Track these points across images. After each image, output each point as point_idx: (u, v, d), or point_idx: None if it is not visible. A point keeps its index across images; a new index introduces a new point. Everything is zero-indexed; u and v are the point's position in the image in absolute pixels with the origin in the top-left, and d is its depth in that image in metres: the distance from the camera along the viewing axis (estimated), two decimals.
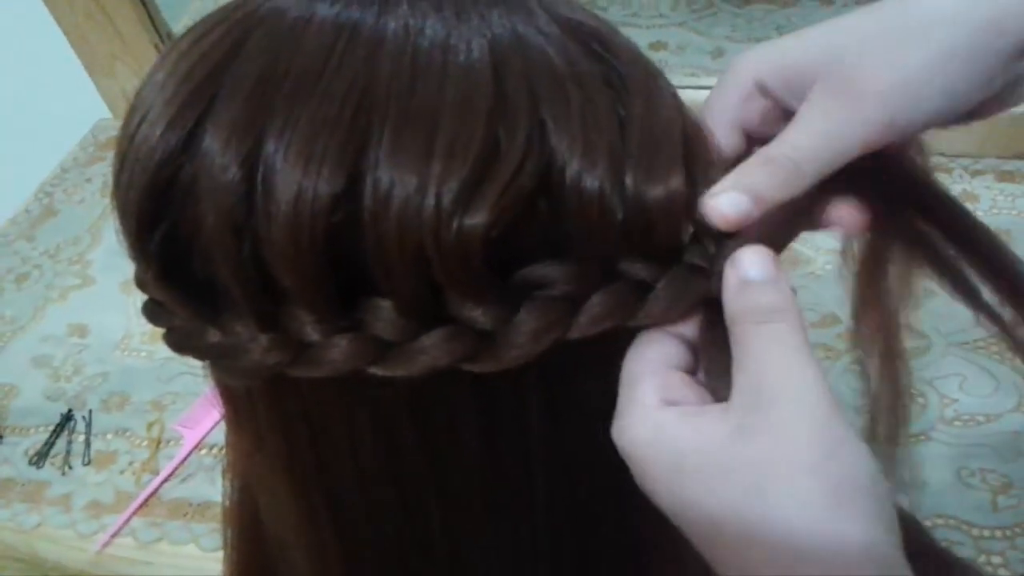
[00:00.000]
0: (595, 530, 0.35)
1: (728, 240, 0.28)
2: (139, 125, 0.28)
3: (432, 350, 0.27)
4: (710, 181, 0.28)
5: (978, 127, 0.85)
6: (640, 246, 0.28)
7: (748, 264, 0.28)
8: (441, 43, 0.27)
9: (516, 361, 0.27)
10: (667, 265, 0.28)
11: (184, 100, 0.27)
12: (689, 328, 0.29)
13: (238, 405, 0.34)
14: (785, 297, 0.27)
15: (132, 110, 0.29)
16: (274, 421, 0.32)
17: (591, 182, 0.26)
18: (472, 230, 0.25)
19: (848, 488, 0.25)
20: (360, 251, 0.26)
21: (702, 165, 0.28)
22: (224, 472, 0.43)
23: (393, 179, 0.25)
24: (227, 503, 0.43)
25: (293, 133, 0.26)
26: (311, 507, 0.34)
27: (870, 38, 0.29)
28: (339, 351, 0.27)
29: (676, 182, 0.27)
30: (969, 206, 0.78)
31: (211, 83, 0.27)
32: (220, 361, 0.30)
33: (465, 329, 0.27)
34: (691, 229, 0.29)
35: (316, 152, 0.25)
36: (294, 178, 0.25)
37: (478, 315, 0.27)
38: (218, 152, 0.26)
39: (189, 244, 0.27)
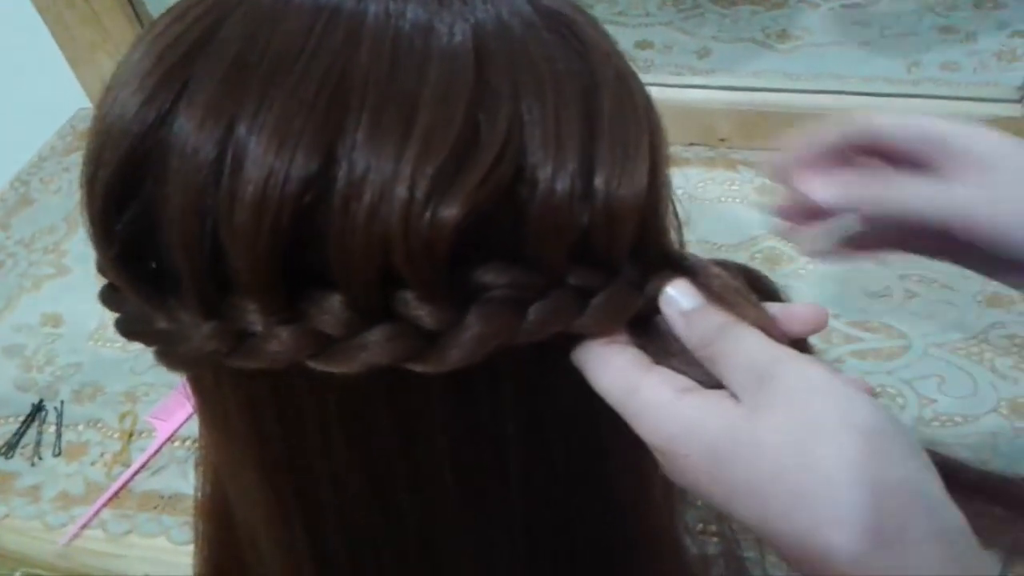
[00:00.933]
0: (572, 529, 0.35)
1: (659, 268, 0.29)
2: (113, 104, 0.27)
3: (373, 347, 0.26)
4: (665, 190, 0.29)
5: None
6: (592, 252, 0.27)
7: (680, 298, 0.29)
8: (423, 27, 0.27)
9: (459, 364, 0.27)
10: (609, 275, 0.28)
11: (160, 80, 0.27)
12: (622, 336, 0.30)
13: (206, 395, 0.33)
14: (723, 313, 0.29)
15: (108, 89, 0.28)
16: (243, 409, 0.32)
17: (562, 184, 0.26)
18: (445, 221, 0.24)
19: (878, 430, 0.26)
20: (321, 237, 0.25)
21: (662, 169, 0.29)
22: (196, 465, 0.42)
23: (369, 164, 0.25)
24: (199, 496, 0.42)
25: (267, 115, 0.25)
26: (281, 499, 0.34)
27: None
28: (279, 343, 0.27)
29: (640, 188, 0.27)
30: None
31: (187, 63, 0.27)
32: (163, 347, 0.29)
33: (408, 328, 0.26)
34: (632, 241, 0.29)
35: (290, 135, 0.25)
36: (266, 160, 0.25)
37: (423, 315, 0.26)
38: (192, 132, 0.26)
39: (154, 226, 0.27)
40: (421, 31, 0.27)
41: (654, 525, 0.37)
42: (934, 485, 0.26)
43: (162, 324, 0.29)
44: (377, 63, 0.26)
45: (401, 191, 0.24)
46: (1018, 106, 0.80)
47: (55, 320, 0.79)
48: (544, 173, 0.26)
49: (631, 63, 0.30)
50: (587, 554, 0.36)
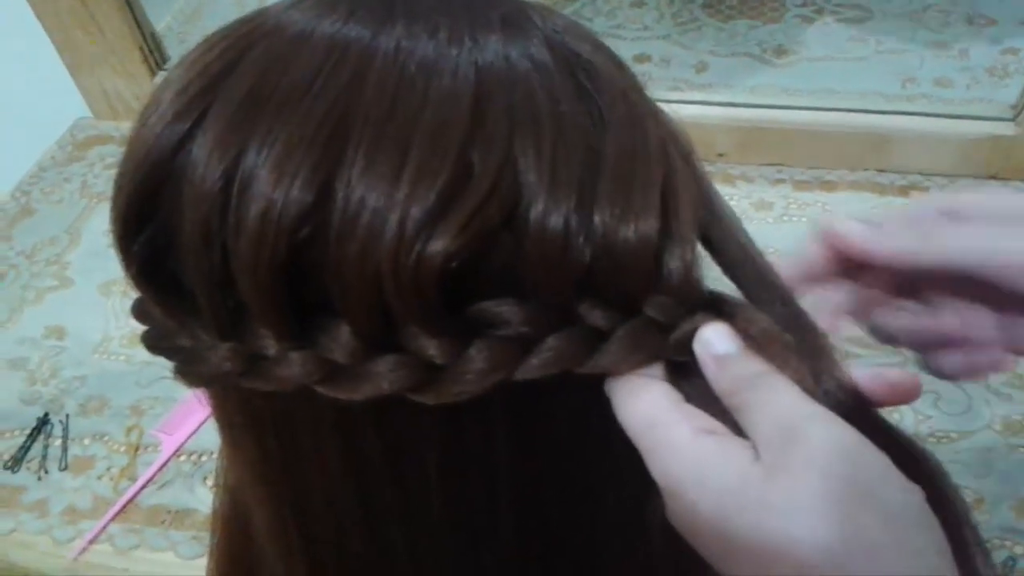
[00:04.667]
0: (559, 559, 0.35)
1: (694, 310, 0.28)
2: (142, 127, 0.28)
3: (378, 377, 0.27)
4: (687, 230, 0.28)
5: (953, 149, 0.87)
6: (604, 291, 0.27)
7: (715, 341, 0.28)
8: (428, 66, 0.27)
9: (460, 396, 0.27)
10: (627, 314, 0.28)
11: (182, 107, 0.28)
12: (657, 370, 0.29)
13: (216, 409, 0.34)
14: (760, 362, 0.28)
15: (141, 112, 0.29)
16: (246, 425, 0.33)
17: (555, 221, 0.26)
18: (431, 258, 0.25)
19: (903, 514, 0.25)
20: (320, 270, 0.26)
21: (681, 212, 0.28)
22: (216, 474, 0.43)
23: (362, 200, 0.25)
24: (217, 505, 0.43)
25: (271, 150, 0.26)
26: (279, 513, 0.35)
27: None
28: (289, 367, 0.27)
29: (648, 226, 0.27)
30: None
31: (208, 93, 0.28)
32: (181, 365, 0.30)
33: (413, 360, 0.27)
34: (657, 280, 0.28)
35: (289, 169, 0.26)
36: (265, 193, 0.26)
37: (428, 347, 0.27)
38: (203, 162, 0.26)
39: (168, 249, 0.28)
40: (425, 72, 0.27)
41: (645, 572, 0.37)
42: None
43: (184, 341, 0.29)
44: (378, 103, 0.27)
45: (391, 228, 0.25)
46: (1012, 124, 0.81)
47: (59, 333, 0.79)
48: (536, 211, 0.26)
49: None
50: None
